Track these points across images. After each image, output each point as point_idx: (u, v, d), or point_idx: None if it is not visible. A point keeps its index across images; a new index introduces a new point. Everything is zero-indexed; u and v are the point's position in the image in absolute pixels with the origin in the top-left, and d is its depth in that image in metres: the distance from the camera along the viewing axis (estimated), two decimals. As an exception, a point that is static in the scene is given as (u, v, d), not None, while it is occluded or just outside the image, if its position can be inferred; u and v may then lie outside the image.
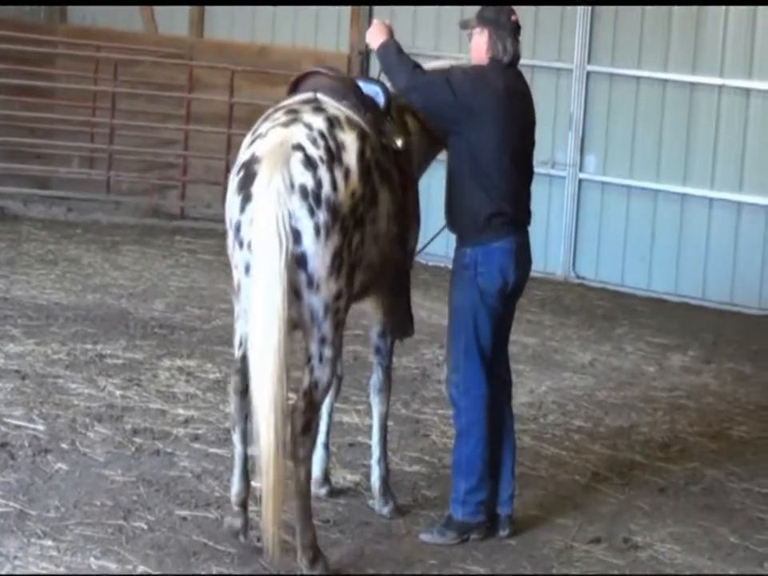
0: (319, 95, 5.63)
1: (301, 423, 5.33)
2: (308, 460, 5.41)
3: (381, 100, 5.93)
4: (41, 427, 6.91)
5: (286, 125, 5.39)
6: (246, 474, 5.71)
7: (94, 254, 11.34)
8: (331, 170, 5.27)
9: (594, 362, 9.26)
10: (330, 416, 6.34)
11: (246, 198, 5.28)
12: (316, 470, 6.05)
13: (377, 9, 12.62)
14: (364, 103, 5.75)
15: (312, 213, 5.21)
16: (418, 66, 5.93)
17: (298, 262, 5.21)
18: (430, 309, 10.13)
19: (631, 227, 11.91)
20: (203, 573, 5.44)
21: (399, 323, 6.27)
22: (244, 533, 5.68)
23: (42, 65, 14.04)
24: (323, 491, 6.28)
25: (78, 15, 14.78)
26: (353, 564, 5.65)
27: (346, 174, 5.32)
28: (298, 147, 5.28)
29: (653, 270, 11.77)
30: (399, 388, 8.15)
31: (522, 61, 12.06)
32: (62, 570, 5.37)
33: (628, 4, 11.74)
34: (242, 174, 5.37)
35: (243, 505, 5.71)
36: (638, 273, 11.78)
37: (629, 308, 11.12)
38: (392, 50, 5.92)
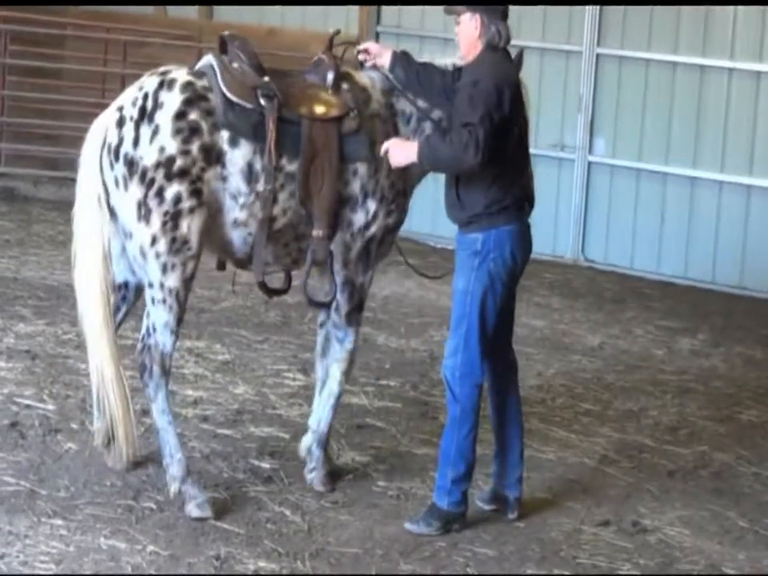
0: (211, 58, 6.04)
1: (140, 362, 5.93)
2: (154, 395, 5.93)
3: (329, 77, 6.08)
4: (51, 407, 6.93)
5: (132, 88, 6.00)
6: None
7: (104, 236, 11.33)
8: (137, 128, 5.78)
9: (603, 345, 9.25)
10: None
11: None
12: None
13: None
14: (270, 72, 6.01)
15: (112, 167, 5.82)
16: (448, 133, 5.78)
17: (111, 212, 5.88)
18: (438, 291, 10.12)
19: (640, 210, 11.88)
20: (212, 553, 5.47)
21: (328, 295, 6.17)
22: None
23: (51, 46, 14.01)
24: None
25: (88, -4, 14.77)
26: (361, 546, 5.68)
27: (155, 131, 5.76)
28: (119, 108, 5.89)
29: (662, 253, 11.74)
30: (407, 370, 8.16)
31: (532, 43, 12.21)
32: (71, 549, 5.41)
33: (636, 4, 11.70)
34: None
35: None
36: (647, 256, 11.77)
37: (638, 291, 11.11)
38: (426, 150, 5.78)
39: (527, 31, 12.05)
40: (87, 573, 5.23)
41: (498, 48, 5.86)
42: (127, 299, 6.25)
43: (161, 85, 5.86)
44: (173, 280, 5.85)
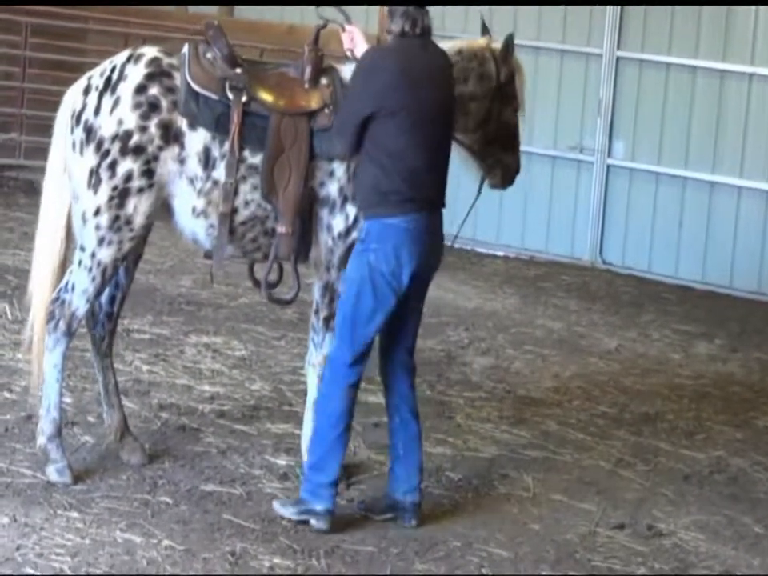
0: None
1: (50, 310, 5.97)
2: (52, 347, 5.97)
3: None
4: (68, 400, 6.94)
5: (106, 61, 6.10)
6: None
7: (122, 230, 11.35)
8: (100, 97, 5.86)
9: (620, 348, 9.24)
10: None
11: None
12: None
13: None
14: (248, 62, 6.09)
15: (72, 130, 5.93)
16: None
17: (68, 172, 5.99)
18: (456, 291, 10.13)
19: (659, 214, 11.85)
20: (227, 548, 5.48)
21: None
22: None
23: (73, 40, 14.05)
24: None
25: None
26: (376, 544, 5.68)
27: (116, 102, 5.83)
28: (89, 78, 5.99)
29: (680, 257, 11.71)
30: (424, 370, 8.14)
31: (552, 45, 12.19)
32: (87, 542, 5.42)
33: (657, 4, 11.67)
34: None
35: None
36: (665, 260, 11.74)
37: (655, 295, 11.08)
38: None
39: (547, 33, 12.03)
40: (102, 566, 5.24)
41: (408, 35, 5.70)
42: (120, 285, 6.25)
43: (128, 59, 5.92)
44: (105, 255, 5.90)
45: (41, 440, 6.01)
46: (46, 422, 6.01)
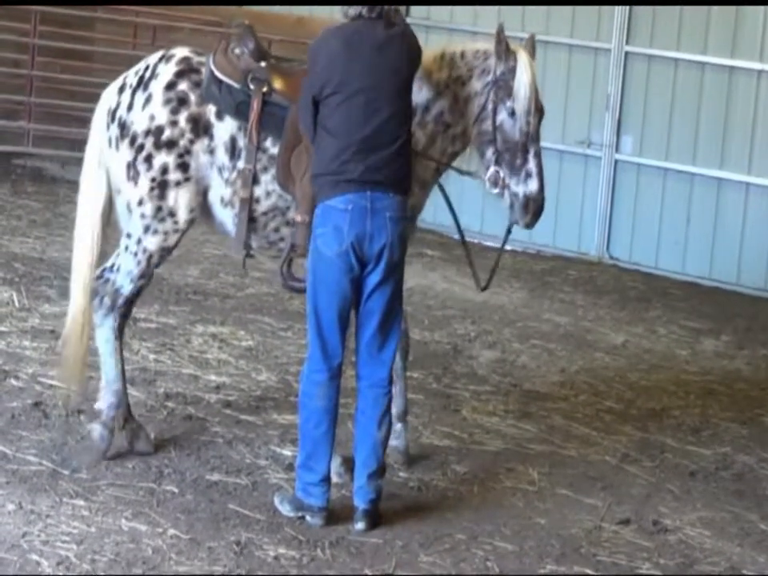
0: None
1: (94, 287, 6.20)
2: (100, 322, 6.18)
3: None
4: (74, 387, 6.93)
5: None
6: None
7: (129, 219, 11.35)
8: (133, 95, 6.09)
9: (626, 344, 9.22)
10: None
11: None
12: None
13: None
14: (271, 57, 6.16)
15: (108, 127, 6.16)
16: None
17: (106, 167, 6.20)
18: (462, 285, 10.11)
19: (666, 210, 11.83)
20: (232, 538, 5.48)
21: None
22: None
23: (81, 28, 14.05)
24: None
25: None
26: (381, 536, 5.68)
27: (147, 98, 6.04)
28: (124, 77, 6.23)
29: (687, 253, 11.69)
30: (430, 362, 8.16)
31: (560, 39, 12.16)
32: (93, 530, 5.42)
33: (665, 4, 11.65)
34: None
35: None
36: (672, 256, 11.72)
37: (662, 291, 11.07)
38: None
39: (555, 27, 12.01)
40: (107, 554, 5.24)
41: (363, 17, 5.64)
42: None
43: (161, 58, 6.16)
44: (151, 242, 6.11)
45: (99, 404, 6.22)
46: (107, 393, 6.21)
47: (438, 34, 12.00)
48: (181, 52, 6.19)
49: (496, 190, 5.97)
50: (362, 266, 5.60)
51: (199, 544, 5.41)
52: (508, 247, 11.70)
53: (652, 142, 11.91)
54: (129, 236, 6.15)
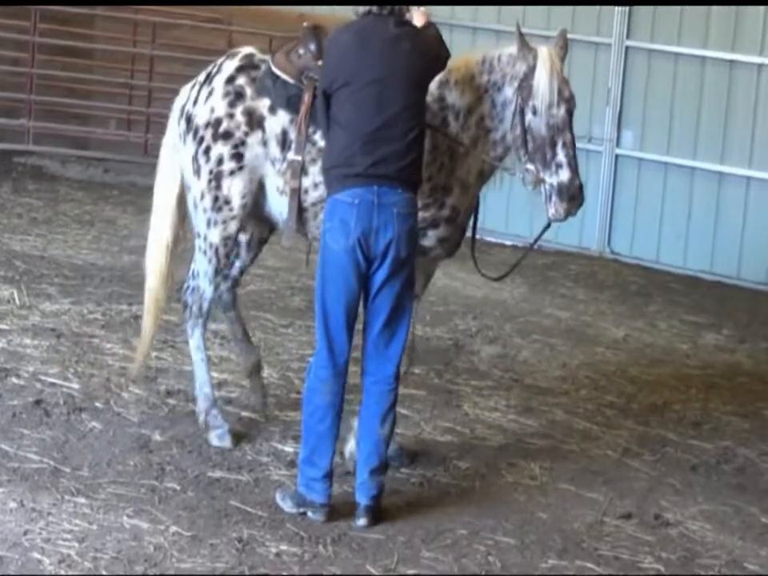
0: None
1: (183, 299, 6.56)
2: (191, 332, 6.54)
3: None
4: (75, 386, 6.96)
5: None
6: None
7: (131, 216, 11.36)
8: (199, 89, 6.39)
9: (627, 338, 9.23)
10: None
11: None
12: None
13: None
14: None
15: (179, 122, 6.46)
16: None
17: (180, 164, 6.47)
18: (464, 280, 10.11)
19: (667, 204, 11.83)
20: (234, 535, 5.48)
21: None
22: None
23: (81, 25, 14.04)
24: None
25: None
26: (383, 532, 5.69)
27: (210, 92, 6.31)
28: (199, 75, 6.52)
29: (688, 247, 11.69)
30: (432, 358, 8.16)
31: (561, 35, 12.06)
32: (94, 528, 5.43)
33: (665, 4, 11.64)
34: None
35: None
36: (673, 250, 11.72)
37: (663, 285, 11.07)
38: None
39: (556, 22, 11.98)
40: (109, 551, 5.24)
41: (365, 14, 5.74)
42: (242, 259, 6.78)
43: (228, 55, 6.47)
44: (213, 235, 6.34)
45: (201, 418, 6.49)
46: (200, 400, 6.51)
47: (462, 33, 12.00)
48: (246, 50, 6.44)
49: (532, 188, 5.96)
50: (369, 262, 5.60)
51: (201, 541, 5.41)
52: (508, 243, 11.92)
53: (653, 136, 11.92)
54: (198, 235, 6.40)
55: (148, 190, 12.67)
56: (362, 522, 5.72)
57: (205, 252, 6.38)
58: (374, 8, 5.71)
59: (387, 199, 5.58)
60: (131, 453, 6.21)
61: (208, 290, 6.46)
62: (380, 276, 5.63)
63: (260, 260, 7.78)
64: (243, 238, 6.67)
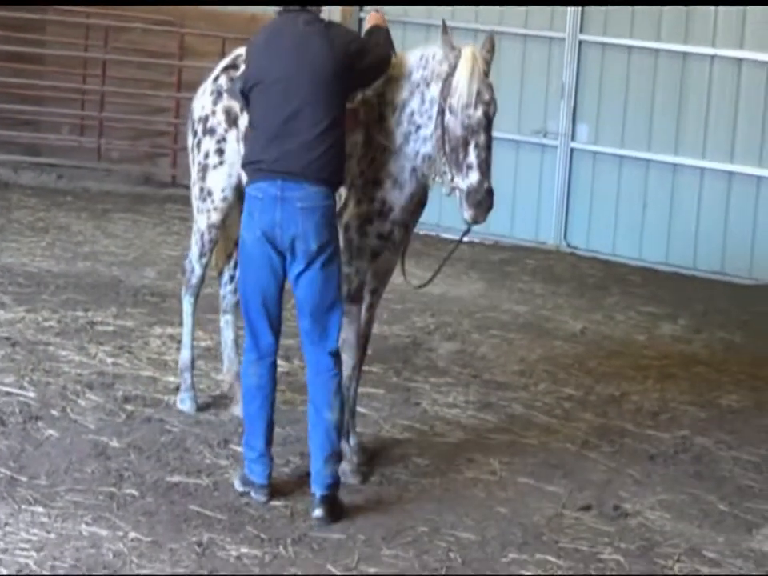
0: None
1: (182, 266, 7.05)
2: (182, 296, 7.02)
3: None
4: (31, 394, 6.91)
5: None
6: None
7: (85, 222, 11.31)
8: (203, 84, 6.75)
9: (585, 331, 9.27)
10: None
11: None
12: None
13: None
14: None
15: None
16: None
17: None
18: (421, 277, 10.08)
19: (623, 197, 11.89)
20: (194, 539, 5.47)
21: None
22: None
23: (32, 31, 13.93)
24: None
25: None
26: (344, 531, 5.68)
27: (203, 90, 6.72)
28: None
29: (644, 239, 11.76)
30: (390, 356, 8.17)
31: (514, 30, 12.17)
32: (52, 537, 5.39)
33: (617, 4, 11.69)
34: None
35: None
36: (629, 242, 11.78)
37: (620, 277, 11.12)
38: None
39: (510, 17, 12.04)
40: (68, 560, 5.21)
41: (279, 13, 5.85)
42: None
43: (229, 54, 6.75)
44: (201, 222, 6.77)
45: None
46: (179, 361, 7.08)
47: (416, 31, 11.99)
48: (240, 50, 6.53)
49: (445, 190, 5.92)
50: (282, 255, 5.73)
51: (161, 546, 5.39)
52: (465, 238, 11.88)
53: (607, 129, 11.98)
54: (193, 219, 6.80)
55: (102, 196, 12.77)
56: (318, 512, 5.73)
57: (194, 235, 6.81)
58: (289, 7, 5.81)
59: (291, 194, 5.67)
60: (89, 460, 6.18)
61: (197, 269, 6.87)
62: (295, 269, 5.74)
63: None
64: None
